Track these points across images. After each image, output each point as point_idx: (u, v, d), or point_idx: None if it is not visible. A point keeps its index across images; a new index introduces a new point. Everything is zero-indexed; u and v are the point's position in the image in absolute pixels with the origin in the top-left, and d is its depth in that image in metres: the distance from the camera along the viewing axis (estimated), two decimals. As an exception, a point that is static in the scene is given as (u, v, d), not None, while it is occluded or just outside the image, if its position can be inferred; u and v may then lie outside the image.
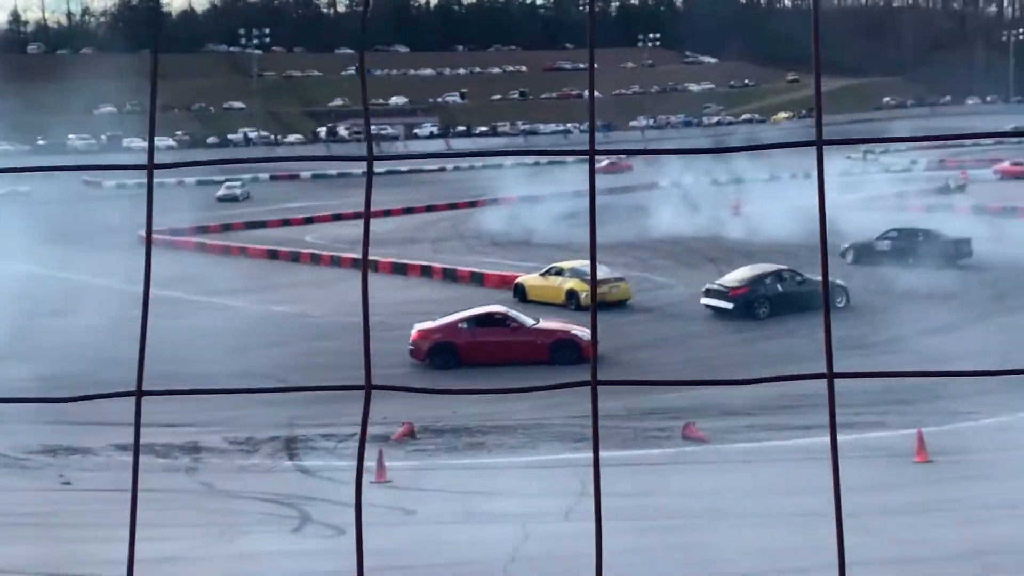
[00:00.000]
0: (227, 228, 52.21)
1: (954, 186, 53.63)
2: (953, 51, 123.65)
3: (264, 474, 17.75)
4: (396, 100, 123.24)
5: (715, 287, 29.53)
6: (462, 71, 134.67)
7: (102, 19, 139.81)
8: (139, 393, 1.35)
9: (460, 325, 25.52)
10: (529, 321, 25.82)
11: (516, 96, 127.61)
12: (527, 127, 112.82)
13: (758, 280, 29.20)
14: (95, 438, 19.58)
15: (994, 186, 53.89)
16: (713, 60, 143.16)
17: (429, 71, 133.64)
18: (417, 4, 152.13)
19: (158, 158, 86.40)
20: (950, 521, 13.94)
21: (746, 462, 17.29)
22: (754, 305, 28.62)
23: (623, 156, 73.89)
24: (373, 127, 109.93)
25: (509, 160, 71.44)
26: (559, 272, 32.20)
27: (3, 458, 18.88)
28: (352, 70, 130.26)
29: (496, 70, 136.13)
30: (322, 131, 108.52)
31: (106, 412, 19.64)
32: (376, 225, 52.88)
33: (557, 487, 16.26)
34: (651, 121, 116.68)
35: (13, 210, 48.89)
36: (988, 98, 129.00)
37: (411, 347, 25.36)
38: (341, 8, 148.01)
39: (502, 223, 46.92)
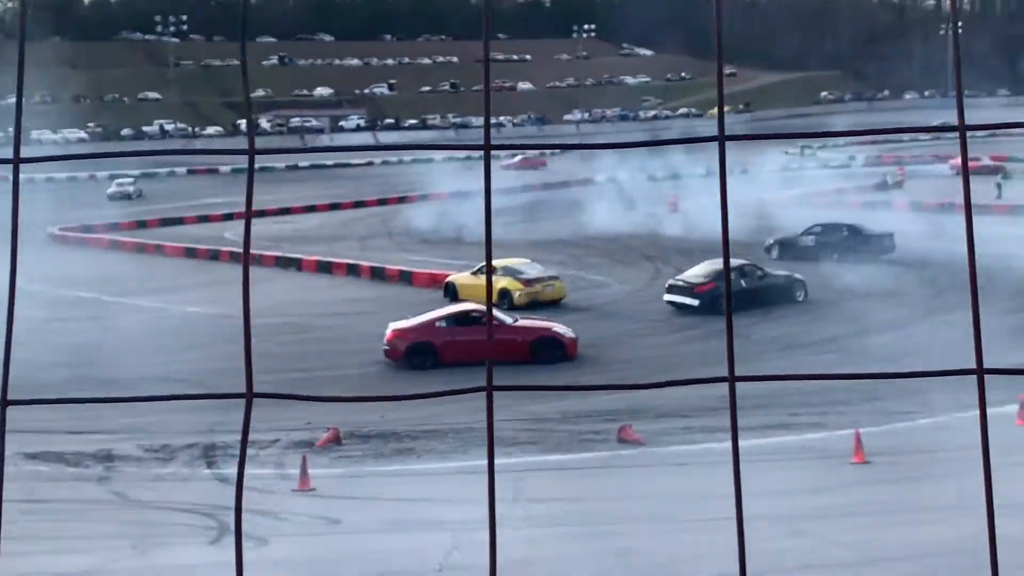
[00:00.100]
0: (142, 225, 51.49)
1: (892, 182, 54.65)
2: (891, 45, 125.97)
3: (181, 483, 17.54)
4: (321, 91, 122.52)
5: (679, 283, 29.86)
6: (390, 61, 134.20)
7: (9, 3, 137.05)
8: (3, 403, 1.33)
9: (438, 324, 25.48)
10: (508, 319, 25.90)
11: (447, 88, 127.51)
12: (458, 120, 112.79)
13: (722, 275, 29.38)
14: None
15: (932, 182, 54.97)
16: (649, 52, 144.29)
17: (355, 61, 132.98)
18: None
19: (70, 151, 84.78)
20: (888, 523, 14.19)
21: (683, 465, 17.46)
22: (719, 301, 28.93)
23: (541, 152, 74.02)
24: (296, 119, 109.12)
25: (440, 154, 71.45)
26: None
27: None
28: (275, 59, 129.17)
29: (426, 60, 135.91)
30: (242, 123, 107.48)
31: None
32: (301, 221, 52.52)
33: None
34: (586, 115, 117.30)
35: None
36: (927, 93, 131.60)
37: (386, 347, 25.27)
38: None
39: (432, 219, 46.88)
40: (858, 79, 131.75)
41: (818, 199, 48.92)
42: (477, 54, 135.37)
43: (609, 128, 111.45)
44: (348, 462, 18.60)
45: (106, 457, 19.02)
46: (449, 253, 40.58)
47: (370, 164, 78.73)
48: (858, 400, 20.35)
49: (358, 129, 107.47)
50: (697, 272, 30.21)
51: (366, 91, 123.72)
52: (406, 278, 35.82)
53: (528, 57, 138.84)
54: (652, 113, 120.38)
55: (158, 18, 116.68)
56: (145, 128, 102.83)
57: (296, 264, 39.72)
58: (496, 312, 26.00)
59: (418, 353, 24.84)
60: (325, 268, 38.71)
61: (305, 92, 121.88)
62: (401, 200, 56.04)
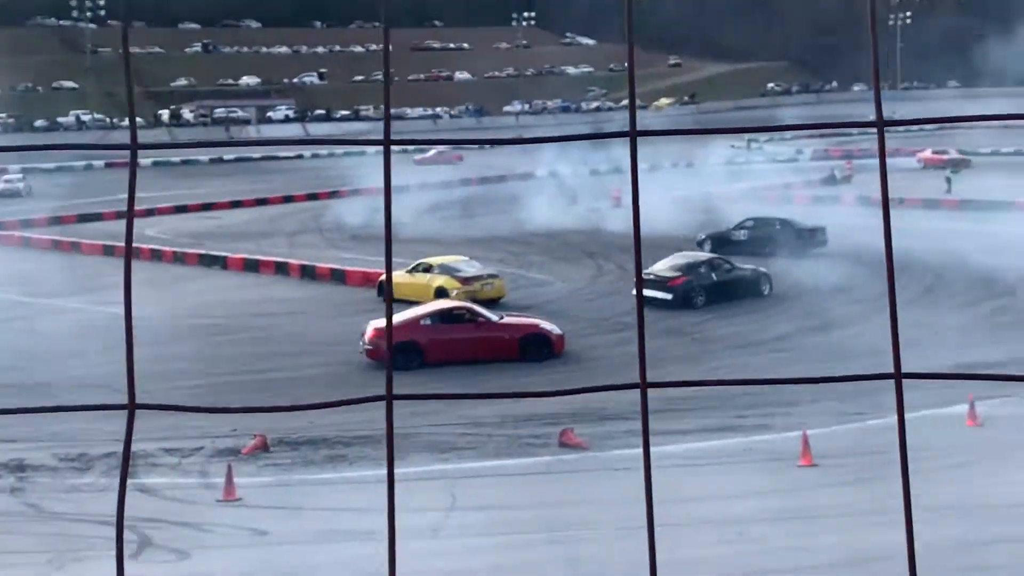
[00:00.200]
0: (56, 221, 50.72)
1: (840, 176, 55.34)
2: (839, 35, 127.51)
3: (99, 494, 17.29)
4: (247, 81, 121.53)
5: (650, 277, 30.27)
6: (320, 49, 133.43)
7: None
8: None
9: (423, 322, 25.43)
10: (494, 316, 25.99)
11: (380, 77, 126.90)
12: (393, 111, 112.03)
13: (693, 269, 30.40)
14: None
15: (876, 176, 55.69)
16: (592, 42, 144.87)
17: (284, 49, 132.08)
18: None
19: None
20: (834, 528, 14.37)
21: (627, 469, 17.55)
22: (691, 295, 29.71)
23: (453, 147, 73.90)
24: (221, 109, 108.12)
25: (372, 147, 71.11)
26: (427, 269, 32.16)
27: None
28: (198, 47, 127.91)
29: (358, 49, 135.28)
30: (164, 114, 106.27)
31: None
32: (226, 217, 52.07)
33: (424, 501, 16.24)
34: (527, 106, 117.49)
35: None
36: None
37: (368, 347, 25.14)
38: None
39: (364, 215, 46.67)
40: (806, 70, 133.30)
41: (765, 193, 49.43)
42: (412, 42, 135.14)
43: (551, 120, 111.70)
44: (276, 470, 18.46)
45: (18, 467, 18.71)
46: (382, 250, 40.39)
47: (300, 157, 78.24)
48: (806, 401, 20.58)
49: (287, 120, 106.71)
50: (666, 266, 30.83)
51: (295, 80, 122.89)
52: (338, 277, 35.62)
53: (466, 46, 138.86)
54: (595, 105, 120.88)
55: (74, 3, 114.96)
56: (60, 119, 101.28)
57: (221, 262, 39.36)
58: (481, 309, 26.31)
59: (403, 352, 24.68)
60: (252, 267, 38.39)
61: (230, 81, 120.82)
62: (332, 195, 55.73)
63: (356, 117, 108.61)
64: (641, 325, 1.36)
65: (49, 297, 34.01)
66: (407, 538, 15.69)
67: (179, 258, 40.62)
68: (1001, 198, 44.76)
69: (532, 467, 18.14)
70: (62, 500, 17.01)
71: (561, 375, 23.97)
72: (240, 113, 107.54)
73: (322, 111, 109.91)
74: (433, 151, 70.08)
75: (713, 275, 30.31)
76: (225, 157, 78.79)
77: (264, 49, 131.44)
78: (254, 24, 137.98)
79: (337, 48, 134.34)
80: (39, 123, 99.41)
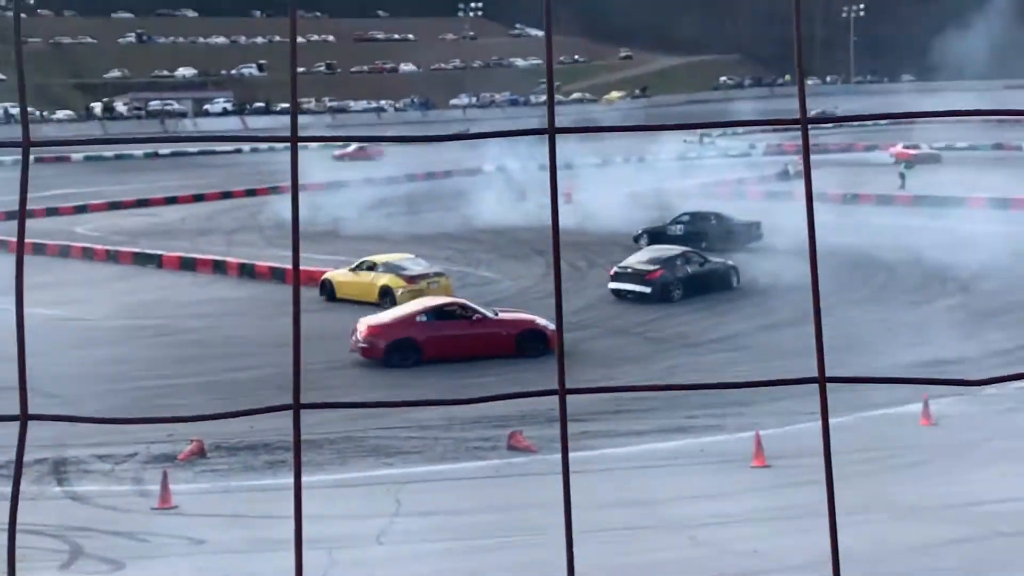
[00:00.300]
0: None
1: (793, 172, 55.82)
2: (792, 29, 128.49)
3: (28, 502, 17.07)
4: (183, 72, 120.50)
5: (627, 271, 30.80)
6: (260, 40, 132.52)
7: None
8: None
9: (419, 319, 25.57)
10: (489, 312, 26.20)
11: (322, 69, 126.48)
12: (335, 104, 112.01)
13: (670, 262, 30.95)
14: None
15: (837, 171, 56.29)
16: (540, 33, 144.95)
17: (222, 39, 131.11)
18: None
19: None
20: (787, 530, 14.50)
21: (578, 472, 17.59)
22: (669, 288, 30.25)
23: (366, 144, 73.66)
24: (156, 102, 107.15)
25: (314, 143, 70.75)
26: (371, 267, 32.07)
27: None
28: (132, 37, 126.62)
29: (300, 40, 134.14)
30: (97, 107, 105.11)
31: None
32: (161, 214, 51.61)
33: (368, 507, 16.21)
34: (474, 99, 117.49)
35: None
36: (828, 78, 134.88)
37: (363, 345, 25.24)
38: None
39: (305, 212, 46.36)
40: (758, 64, 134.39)
41: (719, 189, 49.78)
42: (355, 32, 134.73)
43: (499, 113, 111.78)
44: (214, 476, 18.33)
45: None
46: (325, 248, 40.26)
47: (238, 151, 77.68)
48: (760, 401, 20.75)
49: (225, 113, 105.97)
50: (640, 259, 31.41)
51: (233, 72, 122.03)
52: (278, 276, 35.41)
53: (411, 36, 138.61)
54: (543, 98, 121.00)
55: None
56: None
57: (156, 261, 39.01)
58: (475, 305, 26.55)
59: (400, 350, 24.91)
60: (189, 265, 38.07)
61: (166, 73, 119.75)
62: (272, 191, 55.35)
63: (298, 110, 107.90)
64: (560, 331, 1.37)
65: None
66: (350, 545, 15.69)
67: (112, 257, 40.21)
68: (955, 194, 45.38)
69: (480, 471, 18.15)
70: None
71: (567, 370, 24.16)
72: (176, 106, 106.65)
73: (261, 104, 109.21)
74: (353, 146, 69.86)
75: (688, 268, 30.99)
76: (161, 151, 78.09)
77: (201, 39, 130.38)
78: (191, 13, 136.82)
79: (277, 38, 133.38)
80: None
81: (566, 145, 60.29)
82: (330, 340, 27.30)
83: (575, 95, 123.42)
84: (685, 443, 19.03)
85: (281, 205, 48.92)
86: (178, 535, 15.38)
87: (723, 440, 19.13)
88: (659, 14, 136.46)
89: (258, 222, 48.22)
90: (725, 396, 20.93)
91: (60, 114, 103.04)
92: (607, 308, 30.38)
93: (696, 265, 31.24)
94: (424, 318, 25.60)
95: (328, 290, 32.34)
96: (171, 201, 55.30)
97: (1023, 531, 14.25)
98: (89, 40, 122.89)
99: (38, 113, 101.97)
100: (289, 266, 35.95)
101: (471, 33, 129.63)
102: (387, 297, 30.95)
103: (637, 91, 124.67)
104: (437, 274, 31.92)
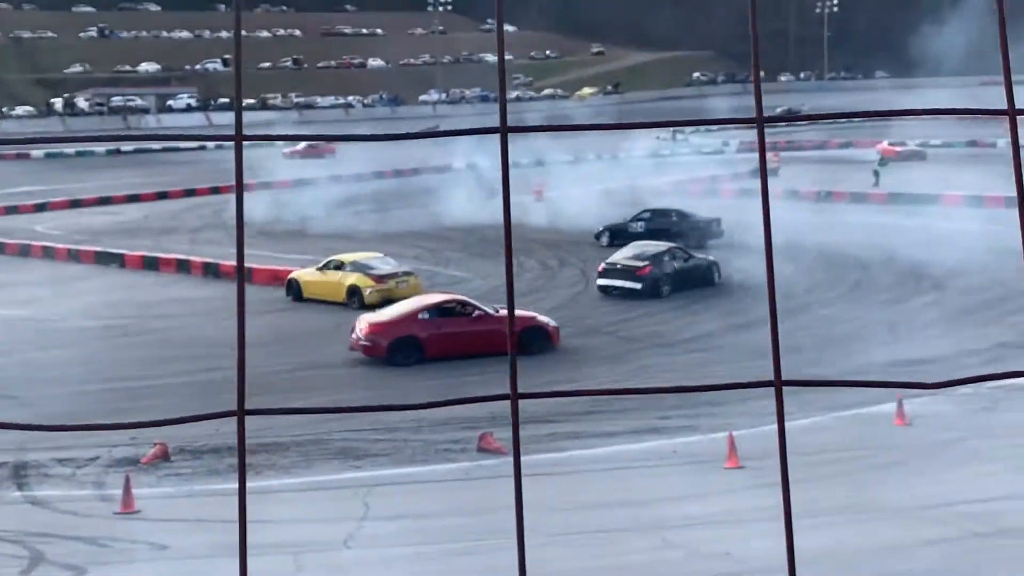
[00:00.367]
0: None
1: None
2: (766, 25, 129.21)
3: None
4: (146, 67, 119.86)
5: (616, 267, 31.24)
6: (224, 34, 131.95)
7: None
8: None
9: (421, 316, 25.63)
10: (490, 309, 26.29)
11: (289, 64, 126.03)
12: (302, 100, 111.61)
13: (658, 257, 31.44)
14: None
15: (811, 168, 56.57)
16: (512, 28, 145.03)
17: (186, 34, 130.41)
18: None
19: None
20: (760, 532, 14.53)
21: (550, 475, 17.61)
22: (659, 284, 30.78)
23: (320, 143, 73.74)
24: (118, 98, 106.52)
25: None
26: (339, 266, 31.98)
27: None
28: (94, 31, 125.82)
29: (265, 34, 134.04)
30: (57, 102, 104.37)
31: None
32: (124, 212, 51.32)
33: (335, 511, 16.16)
34: (444, 95, 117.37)
35: None
36: (802, 75, 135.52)
37: (365, 343, 25.24)
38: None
39: (272, 210, 46.27)
40: (732, 60, 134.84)
41: (692, 187, 49.94)
42: (322, 27, 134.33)
43: (469, 110, 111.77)
44: (177, 480, 18.24)
45: None
46: (291, 247, 40.16)
47: (202, 148, 77.30)
48: (732, 401, 20.81)
49: (189, 109, 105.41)
50: (627, 255, 31.80)
51: (197, 67, 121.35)
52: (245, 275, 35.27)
53: (379, 31, 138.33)
54: (515, 94, 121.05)
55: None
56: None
57: (118, 260, 38.79)
58: (475, 302, 26.66)
59: (403, 348, 24.95)
60: (152, 265, 37.86)
61: (128, 68, 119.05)
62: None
63: (263, 106, 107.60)
64: (513, 335, 1.36)
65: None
66: (317, 550, 15.66)
67: (74, 256, 39.96)
68: (929, 191, 45.69)
69: (449, 474, 18.13)
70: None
71: (563, 368, 24.50)
72: (139, 102, 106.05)
73: (226, 99, 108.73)
74: (303, 144, 69.63)
75: (675, 263, 31.53)
76: (123, 148, 77.63)
77: (164, 33, 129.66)
78: (153, 7, 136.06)
79: (242, 33, 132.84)
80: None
81: (537, 142, 60.40)
82: (310, 339, 27.34)
83: (546, 91, 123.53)
84: (658, 444, 19.08)
85: (248, 203, 48.48)
86: (141, 540, 15.30)
87: (696, 441, 19.18)
88: (631, 9, 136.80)
89: (223, 220, 48.00)
90: (698, 396, 20.99)
91: (20, 110, 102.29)
92: (580, 307, 30.43)
93: (681, 261, 31.81)
94: (426, 315, 25.71)
95: (295, 290, 32.23)
96: (134, 199, 55.00)
97: (997, 532, 14.35)
98: (50, 34, 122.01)
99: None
100: (256, 265, 35.84)
101: (441, 28, 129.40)
102: (355, 297, 30.87)
103: (609, 87, 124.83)
104: (406, 273, 31.87)
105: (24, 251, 41.11)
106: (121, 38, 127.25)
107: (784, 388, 1.45)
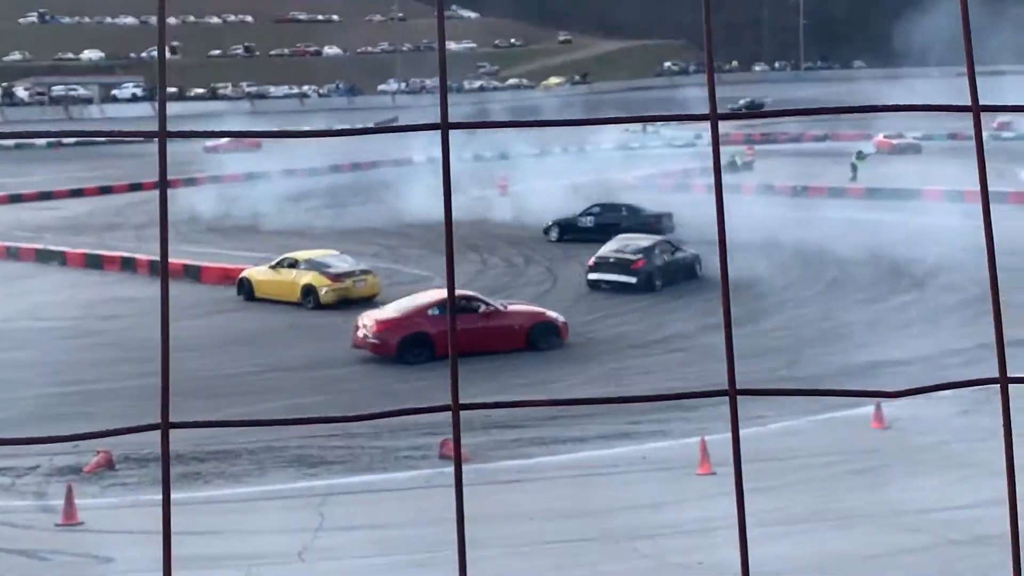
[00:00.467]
0: None
1: (740, 163, 56.27)
2: (740, 11, 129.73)
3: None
4: (89, 55, 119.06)
5: (609, 260, 31.76)
6: (173, 20, 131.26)
7: None
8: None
9: (430, 312, 25.81)
10: (498, 304, 26.68)
11: (240, 52, 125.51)
12: (254, 89, 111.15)
13: (650, 251, 32.03)
14: None
15: (788, 162, 56.87)
16: (474, 15, 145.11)
17: (131, 19, 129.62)
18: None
19: None
20: (732, 541, 14.59)
21: (515, 482, 17.63)
22: (652, 277, 31.48)
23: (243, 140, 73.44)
24: (60, 87, 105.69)
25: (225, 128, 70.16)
26: (293, 264, 31.87)
27: None
28: (34, 16, 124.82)
29: (215, 20, 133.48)
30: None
31: None
32: (66, 207, 50.96)
33: (289, 522, 16.10)
34: (403, 85, 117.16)
35: None
36: (777, 64, 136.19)
37: (373, 341, 25.45)
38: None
39: (222, 205, 46.09)
40: (703, 49, 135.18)
41: (663, 180, 50.05)
42: (275, 13, 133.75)
43: (429, 100, 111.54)
44: (122, 490, 18.12)
45: None
46: (243, 244, 40.01)
47: (149, 141, 76.79)
48: (704, 404, 20.89)
49: (134, 99, 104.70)
50: (613, 249, 32.32)
51: (143, 55, 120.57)
52: (193, 273, 35.04)
53: (335, 18, 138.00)
54: (478, 84, 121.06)
55: None
56: None
57: (60, 258, 38.53)
58: (483, 297, 27.08)
59: (413, 346, 25.23)
60: (95, 263, 37.61)
61: (71, 56, 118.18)
62: (187, 183, 54.82)
63: (213, 96, 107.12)
64: (454, 344, 1.35)
65: None
66: (270, 562, 15.58)
67: (13, 254, 39.65)
68: (908, 186, 46.00)
69: (410, 481, 18.10)
70: None
71: (574, 364, 24.87)
72: (82, 91, 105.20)
73: (174, 89, 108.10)
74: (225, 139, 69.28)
75: (664, 256, 32.29)
76: (65, 140, 77.03)
77: (108, 19, 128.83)
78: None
79: (191, 19, 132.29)
80: None
81: (500, 135, 60.41)
82: (268, 340, 27.20)
83: (511, 81, 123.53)
84: (628, 450, 19.12)
85: (197, 198, 48.49)
86: (84, 553, 15.19)
87: (668, 446, 19.24)
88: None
89: (170, 216, 47.74)
90: (670, 401, 21.06)
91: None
92: (574, 303, 30.50)
93: (669, 255, 32.53)
94: (436, 311, 25.89)
95: (246, 289, 32.08)
96: (76, 194, 54.64)
97: (973, 539, 14.46)
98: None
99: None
100: (206, 263, 35.66)
101: (400, 15, 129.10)
102: (310, 296, 30.79)
103: (577, 77, 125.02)
104: (364, 272, 31.80)
105: (-40, 248, 40.75)
106: (63, 24, 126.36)
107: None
